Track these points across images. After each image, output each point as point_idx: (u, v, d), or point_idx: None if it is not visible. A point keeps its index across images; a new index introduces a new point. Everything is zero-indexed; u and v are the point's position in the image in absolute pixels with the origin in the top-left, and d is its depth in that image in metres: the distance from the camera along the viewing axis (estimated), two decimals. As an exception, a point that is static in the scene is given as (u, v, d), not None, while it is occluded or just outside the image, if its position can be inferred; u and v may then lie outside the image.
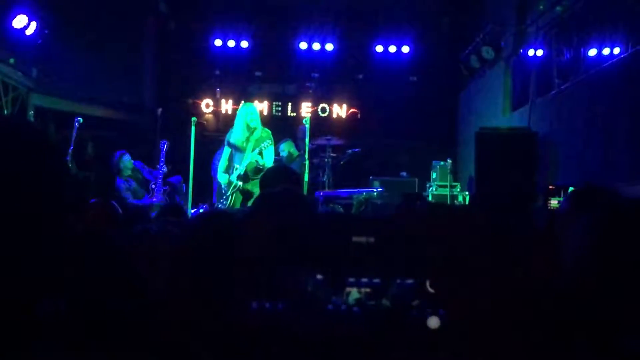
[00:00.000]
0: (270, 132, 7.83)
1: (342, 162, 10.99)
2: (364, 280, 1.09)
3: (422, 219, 1.09)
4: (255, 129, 7.70)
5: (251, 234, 1.07)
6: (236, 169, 7.73)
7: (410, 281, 1.09)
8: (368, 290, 1.09)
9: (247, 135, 7.67)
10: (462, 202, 10.80)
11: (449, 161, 10.77)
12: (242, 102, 7.98)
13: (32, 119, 10.30)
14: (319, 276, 1.08)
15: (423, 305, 1.09)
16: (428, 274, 1.07)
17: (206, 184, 10.10)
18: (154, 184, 9.84)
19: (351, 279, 1.09)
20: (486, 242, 1.16)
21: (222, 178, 7.89)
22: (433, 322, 1.08)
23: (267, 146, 7.62)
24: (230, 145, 7.87)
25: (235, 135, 7.76)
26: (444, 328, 1.08)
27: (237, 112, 8.03)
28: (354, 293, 1.08)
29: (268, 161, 7.59)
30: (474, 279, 1.12)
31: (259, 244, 1.06)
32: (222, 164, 7.97)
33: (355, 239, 1.08)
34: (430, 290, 1.08)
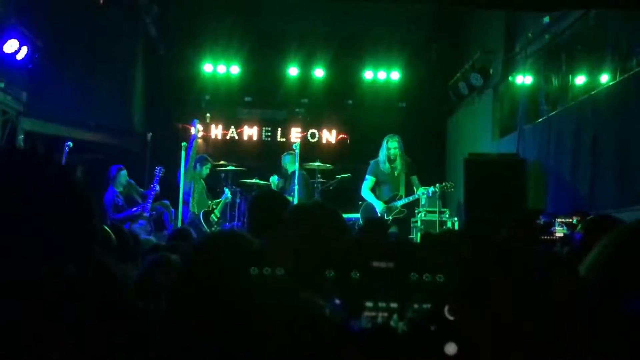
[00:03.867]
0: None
1: (331, 187, 11.01)
2: (382, 304, 1.09)
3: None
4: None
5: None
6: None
7: (427, 306, 1.09)
8: (385, 314, 1.09)
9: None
10: (451, 228, 10.80)
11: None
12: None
13: (21, 143, 10.26)
14: (337, 300, 1.08)
15: (441, 331, 1.08)
16: (447, 299, 1.07)
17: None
18: (143, 207, 9.82)
19: (369, 303, 1.09)
20: (507, 268, 1.16)
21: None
22: (450, 348, 1.08)
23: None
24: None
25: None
26: (461, 354, 1.07)
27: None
28: (379, 318, 1.07)
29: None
30: (494, 305, 1.12)
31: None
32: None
33: (375, 263, 1.08)
34: (449, 316, 1.07)
